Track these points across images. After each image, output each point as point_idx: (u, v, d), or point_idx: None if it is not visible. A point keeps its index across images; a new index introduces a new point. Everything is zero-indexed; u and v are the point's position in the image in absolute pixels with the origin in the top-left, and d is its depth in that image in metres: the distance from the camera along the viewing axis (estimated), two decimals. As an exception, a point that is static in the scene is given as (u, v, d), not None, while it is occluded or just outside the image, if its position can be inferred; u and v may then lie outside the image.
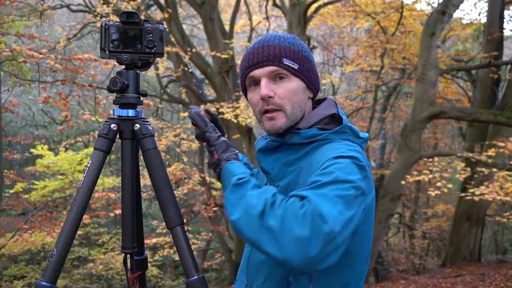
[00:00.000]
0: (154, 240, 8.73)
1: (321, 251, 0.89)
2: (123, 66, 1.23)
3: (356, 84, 15.21)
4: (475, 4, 13.72)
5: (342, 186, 0.98)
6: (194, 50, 8.50)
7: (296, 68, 1.19)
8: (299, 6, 8.82)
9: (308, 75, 1.22)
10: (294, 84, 1.19)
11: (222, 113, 7.32)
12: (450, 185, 6.67)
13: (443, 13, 8.18)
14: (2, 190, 7.64)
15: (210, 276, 12.39)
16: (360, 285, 1.19)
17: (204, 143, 1.24)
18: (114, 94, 1.23)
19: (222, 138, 1.21)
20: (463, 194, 6.41)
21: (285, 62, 1.18)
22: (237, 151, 1.22)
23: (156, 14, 10.25)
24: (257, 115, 1.24)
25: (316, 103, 1.30)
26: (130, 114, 1.22)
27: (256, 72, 1.19)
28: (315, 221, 0.90)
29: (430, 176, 6.74)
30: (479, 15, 19.03)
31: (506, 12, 9.87)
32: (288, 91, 1.19)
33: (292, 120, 1.20)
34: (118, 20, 1.22)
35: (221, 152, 1.18)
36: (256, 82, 1.21)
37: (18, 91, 12.78)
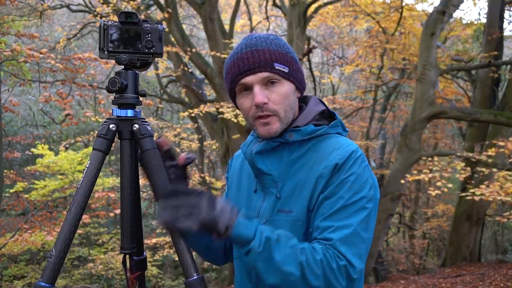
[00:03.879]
0: (154, 240, 8.73)
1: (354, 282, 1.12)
2: (122, 66, 1.23)
3: (356, 84, 15.20)
4: (475, 3, 13.71)
5: (358, 207, 1.11)
6: (194, 50, 8.50)
7: (286, 71, 1.18)
8: (299, 6, 8.82)
9: (297, 77, 1.22)
10: (285, 87, 1.19)
11: (222, 113, 7.32)
12: (450, 185, 6.66)
13: (443, 13, 8.18)
14: (2, 190, 7.63)
15: (210, 276, 12.37)
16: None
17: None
18: (114, 94, 1.23)
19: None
20: (463, 194, 6.40)
21: (276, 67, 1.17)
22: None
23: (156, 14, 10.24)
24: (250, 120, 1.23)
25: (301, 100, 1.29)
26: (129, 114, 1.22)
27: (249, 79, 1.17)
28: (348, 272, 1.07)
29: (430, 175, 6.73)
30: (479, 15, 19.03)
31: (506, 12, 9.87)
32: (281, 95, 1.18)
33: (286, 123, 1.20)
34: (117, 20, 1.22)
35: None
36: (247, 88, 1.19)
37: (18, 91, 12.78)
